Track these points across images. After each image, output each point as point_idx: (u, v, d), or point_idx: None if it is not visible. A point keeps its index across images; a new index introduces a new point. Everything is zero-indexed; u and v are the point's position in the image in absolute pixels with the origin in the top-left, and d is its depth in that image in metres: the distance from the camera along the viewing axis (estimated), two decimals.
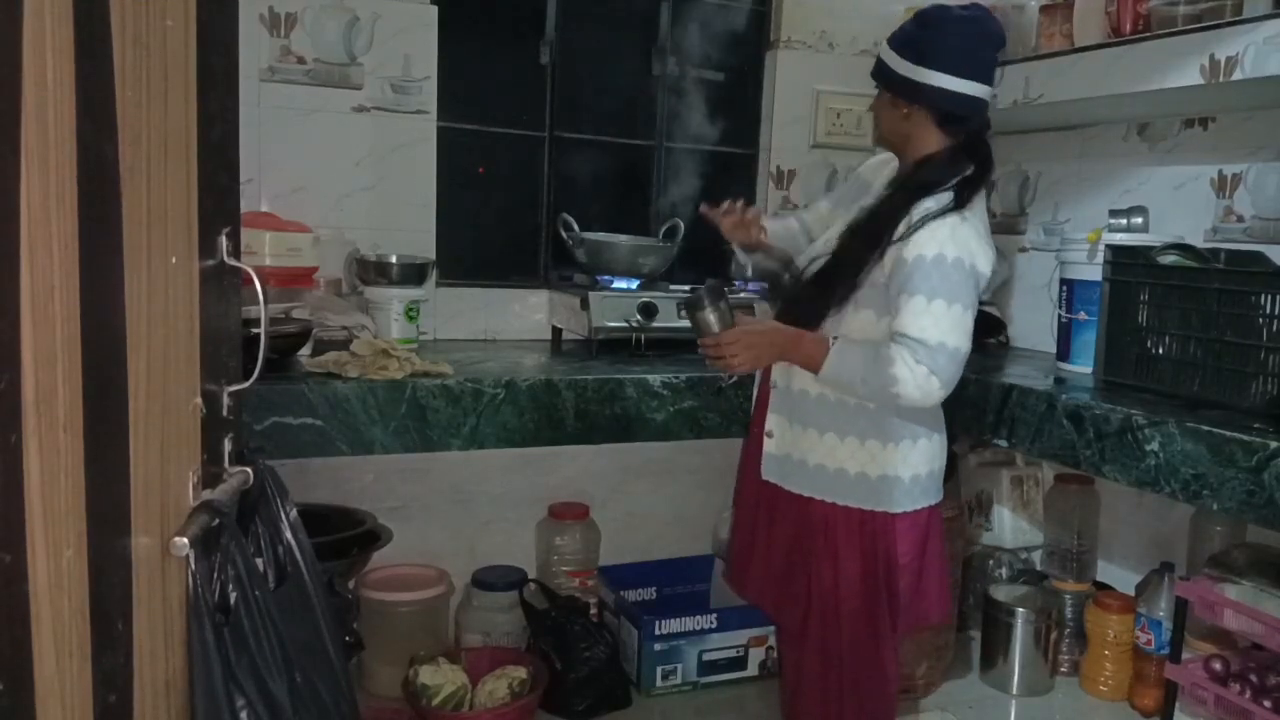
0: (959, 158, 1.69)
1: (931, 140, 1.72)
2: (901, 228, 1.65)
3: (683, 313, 1.87)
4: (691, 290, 2.09)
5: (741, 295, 2.40)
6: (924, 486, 1.78)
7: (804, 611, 1.83)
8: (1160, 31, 2.03)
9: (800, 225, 2.03)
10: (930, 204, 1.65)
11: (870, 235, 1.69)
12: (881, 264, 1.67)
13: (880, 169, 1.88)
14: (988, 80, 1.70)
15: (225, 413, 1.19)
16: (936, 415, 1.81)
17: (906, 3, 2.44)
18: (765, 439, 1.85)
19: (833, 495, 1.75)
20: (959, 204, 1.64)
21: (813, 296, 1.76)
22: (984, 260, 1.64)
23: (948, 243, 1.60)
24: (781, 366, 1.82)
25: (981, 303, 2.73)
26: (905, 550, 1.76)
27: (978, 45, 1.69)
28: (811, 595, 1.80)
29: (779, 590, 1.88)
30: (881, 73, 1.75)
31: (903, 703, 2.38)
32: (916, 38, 1.70)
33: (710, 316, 1.77)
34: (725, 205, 1.95)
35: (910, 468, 1.75)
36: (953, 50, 1.67)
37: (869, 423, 1.72)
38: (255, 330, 1.26)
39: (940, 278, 1.60)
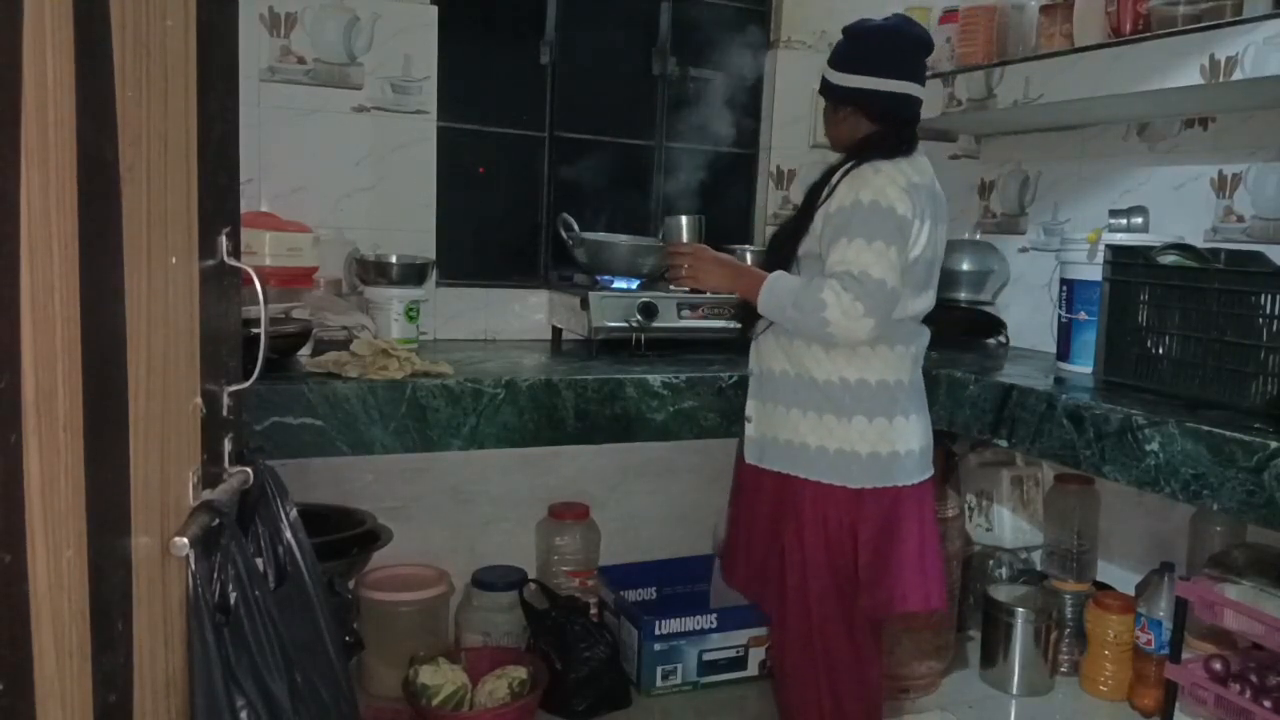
0: (886, 142, 1.82)
1: (865, 133, 1.87)
2: (824, 193, 1.81)
3: (662, 229, 2.19)
4: None
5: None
6: (886, 465, 1.80)
7: (780, 594, 1.86)
8: (1160, 31, 2.03)
9: None
10: (848, 166, 1.81)
11: (803, 205, 1.88)
12: (812, 230, 1.82)
13: None
14: (910, 77, 1.85)
15: (225, 413, 1.19)
16: (909, 398, 1.85)
17: (905, 4, 2.44)
18: (745, 423, 1.95)
19: (797, 469, 1.83)
20: (869, 158, 1.78)
21: (760, 265, 1.92)
22: (903, 204, 1.74)
23: (862, 189, 1.74)
24: (753, 350, 1.94)
25: (982, 302, 2.77)
26: (866, 528, 1.79)
27: (896, 49, 1.85)
28: (785, 575, 1.84)
29: (758, 573, 1.93)
30: (822, 86, 1.92)
31: (902, 702, 2.38)
32: (843, 49, 1.89)
33: (683, 223, 2.11)
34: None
35: (868, 444, 1.79)
36: (873, 55, 1.84)
37: (824, 397, 1.81)
38: (255, 330, 1.26)
39: (859, 221, 1.73)
